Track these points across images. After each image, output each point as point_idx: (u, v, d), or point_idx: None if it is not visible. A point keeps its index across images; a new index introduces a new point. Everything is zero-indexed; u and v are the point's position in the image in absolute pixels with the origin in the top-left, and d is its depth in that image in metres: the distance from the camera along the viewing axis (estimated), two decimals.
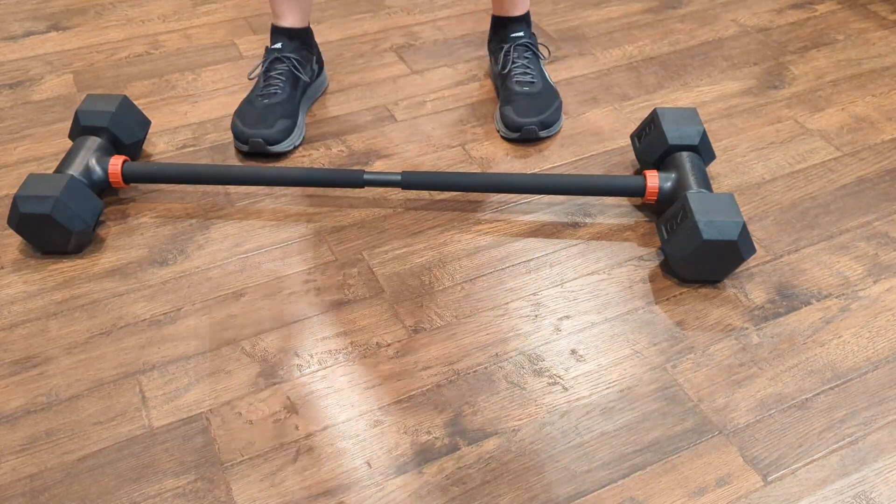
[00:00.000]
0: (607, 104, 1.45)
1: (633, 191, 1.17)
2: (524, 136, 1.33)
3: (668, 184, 1.16)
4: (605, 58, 1.58)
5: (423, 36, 1.64)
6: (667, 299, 1.09)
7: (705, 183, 1.14)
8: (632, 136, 1.28)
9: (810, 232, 1.19)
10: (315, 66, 1.43)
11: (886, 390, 0.97)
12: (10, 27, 1.68)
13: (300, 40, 1.38)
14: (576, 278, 1.12)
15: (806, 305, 1.08)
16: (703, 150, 1.21)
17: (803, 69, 1.54)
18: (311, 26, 1.46)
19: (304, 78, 1.38)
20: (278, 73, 1.35)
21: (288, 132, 1.31)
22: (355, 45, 1.62)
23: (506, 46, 1.41)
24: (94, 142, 1.22)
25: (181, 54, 1.59)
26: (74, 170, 1.17)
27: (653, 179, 1.16)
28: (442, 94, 1.48)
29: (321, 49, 1.58)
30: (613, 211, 1.22)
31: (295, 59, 1.36)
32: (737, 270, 1.12)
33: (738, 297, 1.09)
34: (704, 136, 1.20)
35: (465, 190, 1.19)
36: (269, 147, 1.29)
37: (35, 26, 1.68)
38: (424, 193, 1.25)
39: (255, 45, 1.61)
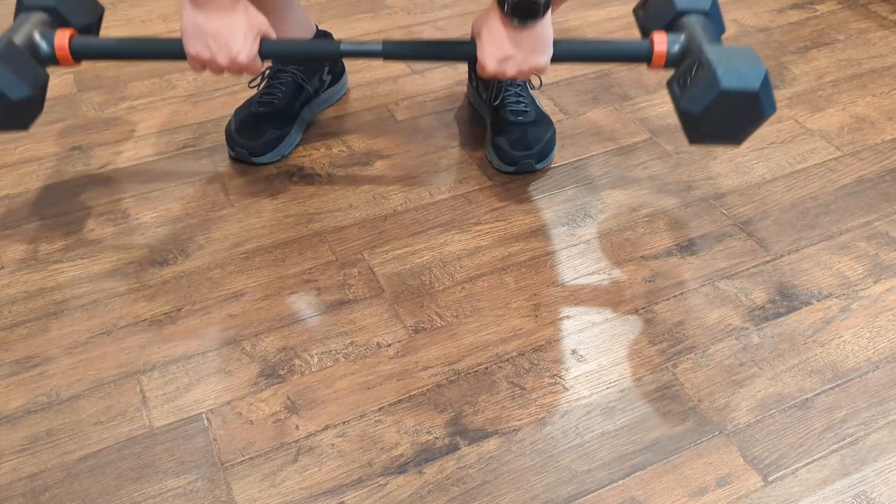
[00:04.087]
0: (607, 104, 1.45)
1: (639, 55, 1.06)
2: (519, 170, 1.28)
3: (677, 46, 1.04)
4: None
5: (422, 35, 1.64)
6: (667, 299, 1.09)
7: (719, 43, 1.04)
8: (634, 10, 1.17)
9: (811, 232, 1.19)
10: (327, 77, 1.40)
11: (887, 390, 0.97)
12: None
13: None
14: (576, 278, 1.12)
15: (806, 305, 1.08)
16: (713, 18, 1.09)
17: (804, 69, 1.54)
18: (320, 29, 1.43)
19: (309, 89, 1.35)
20: (280, 83, 1.33)
21: (274, 144, 1.30)
22: None
23: None
24: (38, 16, 1.10)
25: None
26: (16, 39, 1.05)
27: (661, 41, 1.04)
28: (442, 94, 1.48)
29: None
30: (614, 210, 1.22)
31: (299, 71, 1.34)
32: (737, 270, 1.12)
33: (739, 297, 1.09)
34: (715, 2, 1.09)
35: (455, 60, 1.05)
36: (252, 158, 1.29)
37: None
38: (425, 193, 1.25)
39: None
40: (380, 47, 1.08)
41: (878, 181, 1.28)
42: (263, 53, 1.07)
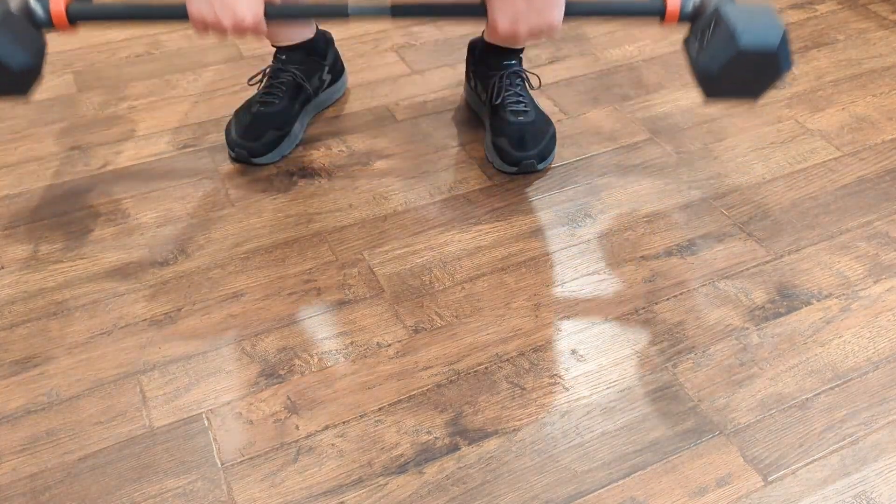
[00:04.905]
0: (607, 104, 1.45)
1: (652, 10, 1.04)
2: (522, 171, 1.27)
3: (691, 2, 1.03)
4: (605, 58, 1.58)
5: (423, 36, 1.64)
6: (667, 299, 1.09)
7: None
8: None
9: (811, 232, 1.19)
10: (326, 76, 1.40)
11: (887, 390, 0.97)
12: None
13: (305, 52, 1.35)
14: (576, 278, 1.12)
15: (806, 305, 1.08)
16: None
17: (804, 69, 1.54)
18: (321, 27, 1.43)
19: (308, 89, 1.35)
20: (279, 83, 1.32)
21: (274, 145, 1.30)
22: (356, 45, 1.62)
23: (497, 74, 1.32)
24: None
25: (182, 54, 1.59)
26: (11, 5, 1.03)
27: None
28: (442, 94, 1.48)
29: None
30: (614, 211, 1.22)
31: (299, 71, 1.33)
32: (737, 270, 1.12)
33: (739, 297, 1.09)
34: None
35: (465, 18, 1.06)
36: (252, 159, 1.29)
37: None
38: (425, 193, 1.25)
39: (255, 46, 1.61)
40: (388, 8, 1.05)
41: (878, 181, 1.28)
42: (269, 15, 1.04)
